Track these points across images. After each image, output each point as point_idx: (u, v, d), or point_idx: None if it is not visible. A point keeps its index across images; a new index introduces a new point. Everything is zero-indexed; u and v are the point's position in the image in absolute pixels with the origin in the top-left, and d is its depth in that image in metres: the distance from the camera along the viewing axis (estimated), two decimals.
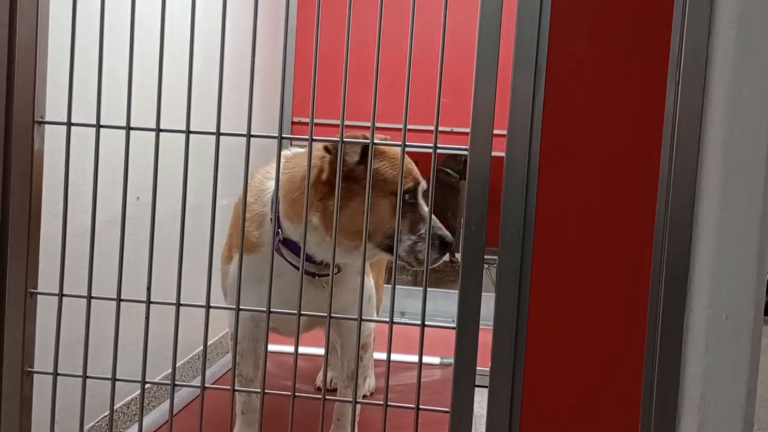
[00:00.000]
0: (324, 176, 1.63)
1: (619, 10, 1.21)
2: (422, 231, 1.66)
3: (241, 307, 1.36)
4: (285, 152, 1.79)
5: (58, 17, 1.47)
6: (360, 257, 1.56)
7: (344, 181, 1.52)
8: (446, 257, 1.70)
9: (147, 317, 1.37)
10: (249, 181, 1.80)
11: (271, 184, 1.76)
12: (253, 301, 1.67)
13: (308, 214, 1.52)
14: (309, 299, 1.72)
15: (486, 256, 1.26)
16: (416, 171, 1.72)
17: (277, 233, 1.69)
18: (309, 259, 1.71)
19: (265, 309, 1.35)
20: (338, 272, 1.79)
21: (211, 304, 1.36)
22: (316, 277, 1.77)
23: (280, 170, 1.60)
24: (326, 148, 1.61)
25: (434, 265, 1.71)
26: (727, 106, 1.17)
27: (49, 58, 1.40)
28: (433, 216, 1.50)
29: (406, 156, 1.47)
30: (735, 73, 1.17)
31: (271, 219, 1.73)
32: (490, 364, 1.26)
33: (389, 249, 1.66)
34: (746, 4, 1.16)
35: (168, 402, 1.74)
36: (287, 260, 1.73)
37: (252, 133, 1.31)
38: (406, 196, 1.67)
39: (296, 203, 1.66)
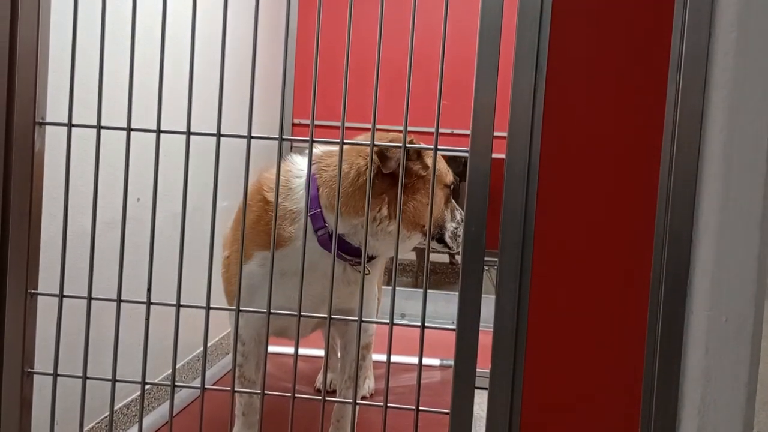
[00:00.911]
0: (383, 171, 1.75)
1: (619, 13, 1.21)
2: (459, 218, 1.91)
3: (249, 308, 1.36)
4: (314, 151, 1.83)
5: (60, 19, 1.47)
6: (404, 246, 1.86)
7: (406, 177, 1.74)
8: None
9: (147, 318, 1.37)
10: (263, 179, 1.81)
11: (300, 182, 1.80)
12: (277, 297, 1.69)
13: (375, 208, 1.73)
14: (337, 294, 1.77)
15: (486, 258, 1.26)
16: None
17: (324, 227, 1.75)
18: (356, 251, 1.77)
19: (269, 310, 1.35)
20: (373, 259, 1.89)
21: (212, 305, 1.36)
22: (354, 266, 1.83)
23: (319, 168, 1.77)
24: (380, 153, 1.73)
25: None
26: (728, 108, 1.17)
27: (50, 60, 1.40)
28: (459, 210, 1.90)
29: (440, 155, 1.76)
30: (735, 75, 1.17)
31: (310, 215, 1.76)
32: (490, 366, 1.26)
33: (436, 237, 1.91)
34: (746, 7, 1.16)
35: (168, 403, 1.74)
36: (341, 253, 1.78)
37: (252, 135, 1.31)
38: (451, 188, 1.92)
39: (350, 198, 1.73)
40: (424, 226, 1.78)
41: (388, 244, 1.79)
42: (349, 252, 1.78)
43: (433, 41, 1.80)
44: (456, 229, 1.91)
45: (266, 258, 1.76)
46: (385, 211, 1.75)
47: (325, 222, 1.75)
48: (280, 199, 1.77)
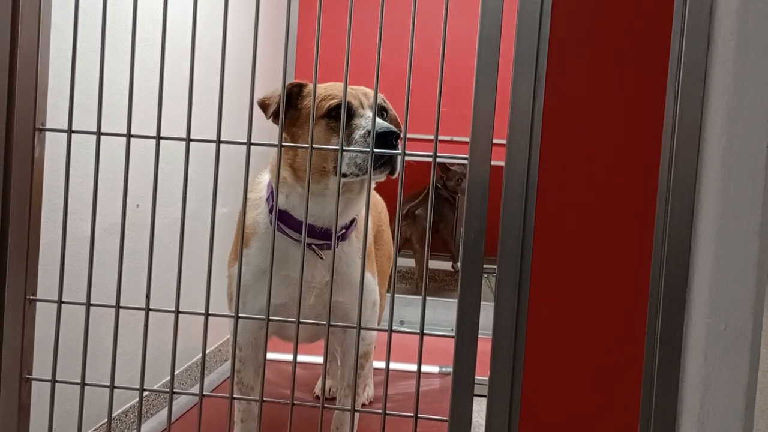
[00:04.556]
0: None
1: (618, 21, 1.21)
2: (357, 136, 1.62)
3: (244, 314, 1.36)
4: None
5: (60, 25, 1.47)
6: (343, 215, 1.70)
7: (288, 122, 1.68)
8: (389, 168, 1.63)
9: (146, 325, 1.36)
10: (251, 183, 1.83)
11: (266, 177, 1.83)
12: (266, 293, 1.68)
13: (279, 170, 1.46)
14: (317, 280, 1.76)
15: (485, 266, 1.26)
16: (356, 92, 1.70)
17: (271, 208, 1.72)
18: (309, 229, 1.69)
19: (268, 316, 1.35)
20: (340, 241, 1.77)
21: (210, 312, 1.36)
22: (319, 248, 1.75)
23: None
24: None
25: (381, 176, 1.65)
26: (727, 116, 1.18)
27: (50, 66, 1.40)
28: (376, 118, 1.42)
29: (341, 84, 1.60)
30: (734, 83, 1.17)
31: (267, 201, 1.77)
32: (489, 373, 1.26)
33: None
34: (745, 15, 1.16)
35: (166, 410, 1.74)
36: (290, 236, 1.73)
37: (252, 141, 1.31)
38: (335, 113, 1.66)
39: (274, 168, 1.67)
40: (324, 167, 1.66)
41: (319, 204, 1.70)
42: (293, 227, 1.71)
43: (432, 48, 1.80)
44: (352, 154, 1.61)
45: (246, 255, 1.77)
46: (288, 171, 1.70)
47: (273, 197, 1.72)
48: (250, 196, 1.79)
